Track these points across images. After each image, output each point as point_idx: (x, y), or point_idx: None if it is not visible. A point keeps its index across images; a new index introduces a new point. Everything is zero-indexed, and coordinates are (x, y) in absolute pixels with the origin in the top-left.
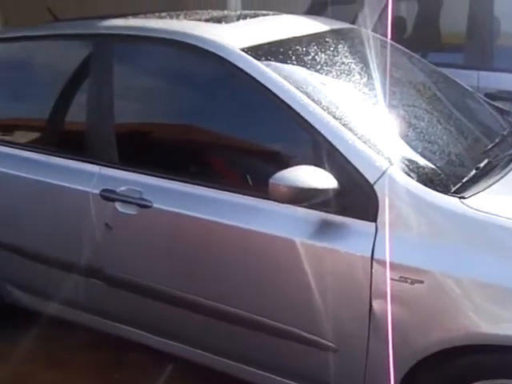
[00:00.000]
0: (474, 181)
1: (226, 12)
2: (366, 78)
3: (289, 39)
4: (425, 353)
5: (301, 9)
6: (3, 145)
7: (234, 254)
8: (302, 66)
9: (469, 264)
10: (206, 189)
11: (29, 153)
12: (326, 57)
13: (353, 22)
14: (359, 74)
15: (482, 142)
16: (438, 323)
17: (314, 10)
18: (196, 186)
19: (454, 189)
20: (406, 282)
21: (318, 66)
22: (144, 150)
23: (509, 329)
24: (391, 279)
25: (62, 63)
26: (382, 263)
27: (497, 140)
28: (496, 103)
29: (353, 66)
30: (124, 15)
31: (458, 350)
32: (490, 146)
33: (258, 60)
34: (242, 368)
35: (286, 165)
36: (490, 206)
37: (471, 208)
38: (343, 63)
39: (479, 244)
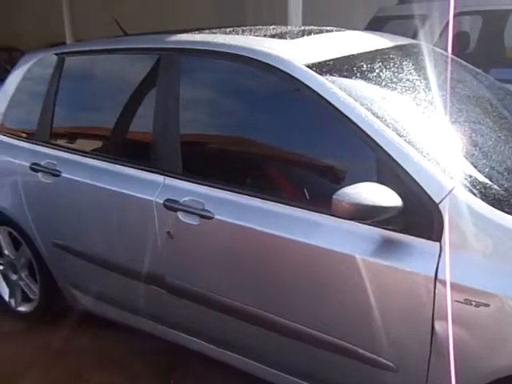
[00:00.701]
0: None
1: (290, 28)
2: (430, 95)
3: (353, 55)
4: (489, 378)
5: (358, 23)
6: (73, 153)
7: (294, 268)
8: (366, 82)
9: None
10: (268, 202)
11: (96, 161)
12: (391, 73)
13: (413, 37)
14: (424, 90)
15: None
16: (505, 348)
17: (374, 25)
18: (257, 199)
19: None
20: (471, 304)
21: (383, 83)
22: (207, 162)
23: None
24: (455, 301)
25: (130, 76)
26: (446, 284)
27: None
28: None
29: (417, 82)
30: (190, 30)
31: None
32: None
33: (323, 76)
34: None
35: (349, 181)
36: None
37: None
38: (408, 80)
39: None
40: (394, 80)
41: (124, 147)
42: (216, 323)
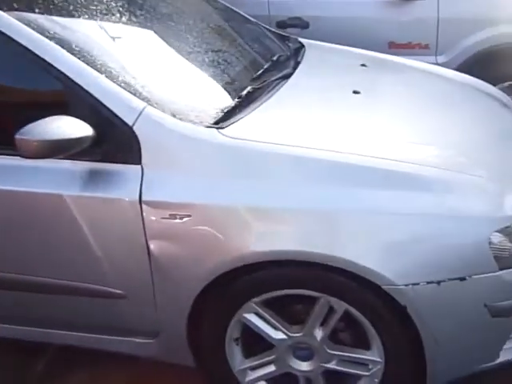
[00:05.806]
0: (236, 110)
1: None
2: (121, 19)
3: None
4: (206, 280)
5: None
6: None
7: (2, 219)
8: (50, 13)
9: (232, 191)
10: None
11: None
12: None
13: None
14: (112, 14)
15: (252, 71)
16: (213, 251)
17: None
18: None
19: (213, 121)
20: (176, 218)
21: (70, 12)
22: None
23: (275, 245)
24: (162, 218)
25: None
26: (151, 204)
27: (266, 66)
28: (287, 31)
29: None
30: None
31: (237, 272)
32: (257, 73)
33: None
34: (48, 333)
35: (37, 117)
36: (248, 133)
37: (228, 137)
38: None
39: (239, 171)
40: (81, 8)
41: None
42: None
